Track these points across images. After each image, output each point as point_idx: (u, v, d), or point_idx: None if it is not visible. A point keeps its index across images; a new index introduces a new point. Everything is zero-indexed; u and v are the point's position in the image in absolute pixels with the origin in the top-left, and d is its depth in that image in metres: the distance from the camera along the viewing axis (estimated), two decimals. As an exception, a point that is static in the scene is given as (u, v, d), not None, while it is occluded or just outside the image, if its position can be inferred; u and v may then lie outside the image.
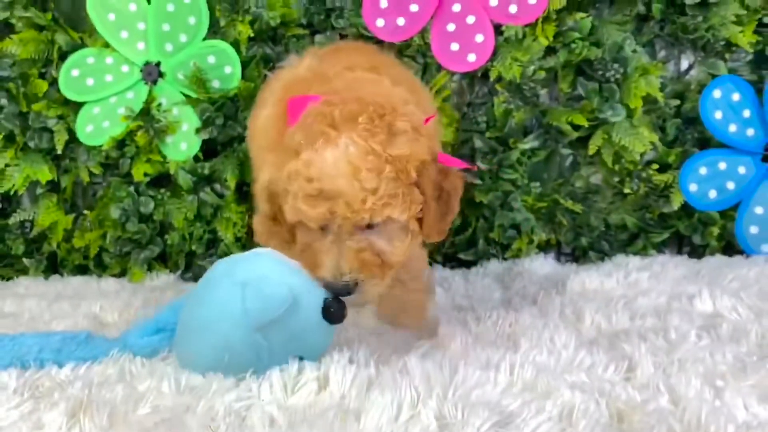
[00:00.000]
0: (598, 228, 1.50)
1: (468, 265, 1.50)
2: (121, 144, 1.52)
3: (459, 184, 0.90)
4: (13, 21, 1.50)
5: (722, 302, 1.03)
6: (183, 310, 0.85)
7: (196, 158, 1.50)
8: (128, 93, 1.51)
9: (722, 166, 1.47)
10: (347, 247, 0.82)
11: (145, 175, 1.51)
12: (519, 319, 0.98)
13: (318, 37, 1.50)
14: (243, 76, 1.48)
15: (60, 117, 1.52)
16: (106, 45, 1.50)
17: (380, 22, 1.45)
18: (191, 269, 1.54)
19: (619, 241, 1.51)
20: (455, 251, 1.52)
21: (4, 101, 1.53)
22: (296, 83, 1.00)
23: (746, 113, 1.46)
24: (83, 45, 1.52)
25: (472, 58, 1.45)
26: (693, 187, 1.47)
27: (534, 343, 0.88)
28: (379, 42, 1.46)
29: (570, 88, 1.47)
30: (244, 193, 1.52)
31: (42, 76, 1.53)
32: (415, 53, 1.48)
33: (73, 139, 1.52)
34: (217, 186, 1.51)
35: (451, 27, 1.45)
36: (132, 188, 1.52)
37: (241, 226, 1.50)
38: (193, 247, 1.52)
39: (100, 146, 1.51)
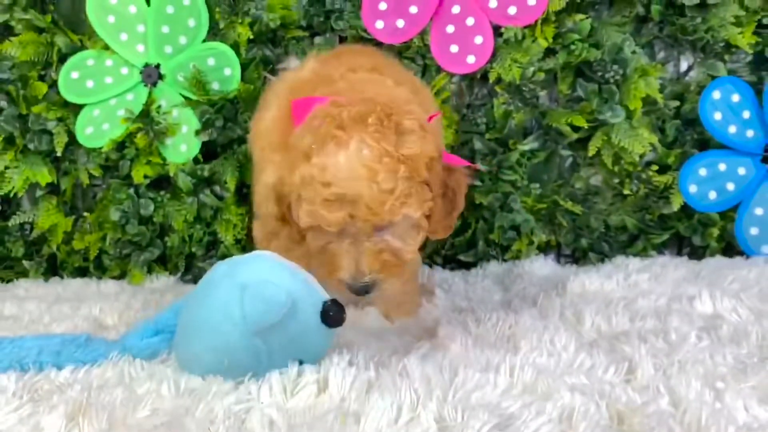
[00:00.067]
0: (598, 229, 1.50)
1: (468, 266, 1.49)
2: (120, 146, 1.52)
3: (463, 181, 0.93)
4: (13, 23, 1.50)
5: (722, 304, 1.03)
6: (183, 311, 0.85)
7: (195, 160, 1.50)
8: (128, 95, 1.51)
9: (722, 167, 1.47)
10: (367, 248, 0.84)
11: (145, 177, 1.51)
12: (519, 321, 0.97)
13: (317, 39, 1.50)
14: (243, 78, 1.48)
15: (60, 119, 1.52)
16: (106, 47, 1.50)
17: (380, 24, 1.45)
18: (191, 271, 1.53)
19: (619, 243, 1.50)
20: (455, 253, 1.52)
21: (3, 103, 1.53)
22: (300, 85, 1.01)
23: (746, 114, 1.46)
24: (83, 47, 1.52)
25: (471, 59, 1.45)
26: (693, 189, 1.47)
27: (534, 345, 0.88)
28: (378, 44, 1.46)
29: (569, 90, 1.47)
30: (243, 195, 1.52)
31: (41, 78, 1.53)
32: (415, 55, 1.48)
33: (72, 141, 1.52)
34: (217, 188, 1.51)
35: (450, 29, 1.45)
36: (132, 190, 1.52)
37: (241, 228, 1.50)
38: (193, 249, 1.52)
39: (100, 148, 1.51)
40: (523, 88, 1.46)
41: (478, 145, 1.48)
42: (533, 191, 1.49)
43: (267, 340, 0.76)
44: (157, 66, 1.50)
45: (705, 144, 1.48)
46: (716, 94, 1.45)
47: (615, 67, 1.43)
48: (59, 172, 1.55)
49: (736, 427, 0.63)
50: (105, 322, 1.15)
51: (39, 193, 1.56)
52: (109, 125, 1.51)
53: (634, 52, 1.44)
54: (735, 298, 1.04)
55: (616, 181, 1.50)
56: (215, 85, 1.49)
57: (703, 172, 1.47)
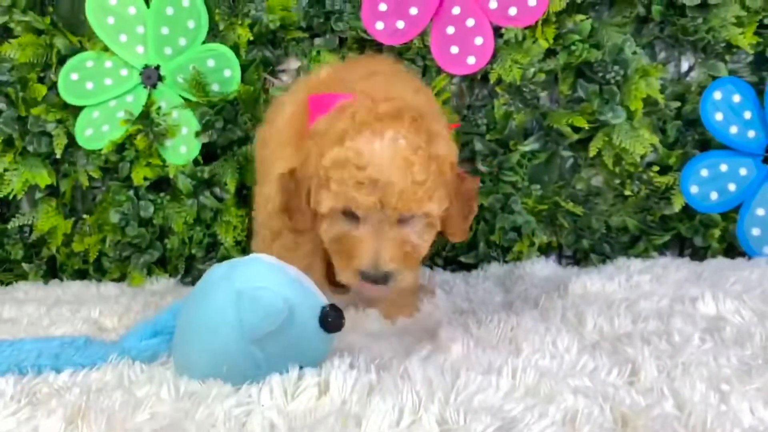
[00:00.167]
0: (599, 230, 1.49)
1: (469, 268, 1.49)
2: (120, 148, 1.51)
3: (475, 188, 0.97)
4: (12, 25, 1.50)
5: (725, 305, 1.02)
6: (181, 313, 0.84)
7: (195, 162, 1.50)
8: (127, 97, 1.51)
9: (723, 167, 1.47)
10: (389, 238, 0.85)
11: (145, 179, 1.51)
12: (521, 323, 0.97)
13: (317, 41, 1.49)
14: (242, 80, 1.48)
15: (59, 121, 1.51)
16: (105, 49, 1.50)
17: (380, 25, 1.44)
18: (191, 273, 1.53)
19: (621, 244, 1.50)
20: (456, 254, 1.51)
21: (3, 105, 1.52)
22: (317, 86, 1.03)
23: (747, 115, 1.46)
24: (82, 49, 1.51)
25: (471, 60, 1.44)
26: (694, 189, 1.47)
27: (536, 347, 0.87)
28: (378, 45, 1.46)
29: (570, 91, 1.47)
30: (243, 196, 1.52)
31: (41, 80, 1.52)
32: (415, 56, 1.48)
33: (72, 143, 1.52)
34: (217, 190, 1.51)
35: (450, 30, 1.44)
36: (131, 192, 1.51)
37: (241, 229, 1.49)
38: (193, 251, 1.51)
39: (100, 150, 1.51)
40: (524, 89, 1.46)
41: (478, 146, 1.47)
42: (534, 192, 1.49)
43: (264, 347, 0.75)
44: (157, 67, 1.50)
45: (706, 145, 1.48)
46: (717, 95, 1.45)
47: (616, 67, 1.43)
48: (59, 174, 1.55)
49: (741, 429, 0.62)
50: (105, 325, 1.15)
51: (38, 195, 1.55)
52: (109, 127, 1.50)
53: (634, 53, 1.44)
54: (738, 300, 1.03)
55: (617, 182, 1.49)
56: (215, 87, 1.48)
57: (704, 172, 1.47)
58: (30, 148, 1.52)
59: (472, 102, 1.51)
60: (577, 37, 1.43)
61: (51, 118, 1.51)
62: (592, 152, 1.46)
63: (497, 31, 1.45)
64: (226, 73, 1.48)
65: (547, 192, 1.50)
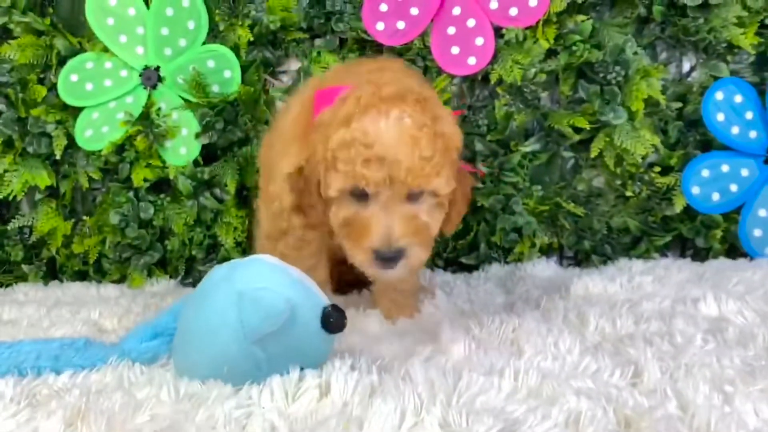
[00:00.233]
0: (600, 231, 1.49)
1: (470, 269, 1.49)
2: (120, 149, 1.51)
3: (471, 184, 0.98)
4: (12, 26, 1.50)
5: (727, 306, 1.02)
6: (181, 315, 0.84)
7: (195, 163, 1.50)
8: (127, 98, 1.51)
9: (725, 168, 1.46)
10: (399, 214, 0.85)
11: (145, 180, 1.50)
12: (522, 324, 0.96)
13: (318, 41, 1.49)
14: (243, 81, 1.48)
15: (59, 122, 1.51)
16: (105, 49, 1.50)
17: (380, 26, 1.44)
18: (191, 275, 1.53)
19: (622, 245, 1.50)
20: (457, 255, 1.51)
21: (2, 107, 1.52)
22: (323, 82, 1.02)
23: (749, 115, 1.45)
24: (82, 50, 1.51)
25: (472, 61, 1.44)
26: (695, 190, 1.47)
27: (538, 349, 0.87)
28: (378, 45, 1.46)
29: (571, 91, 1.47)
30: (244, 197, 1.51)
31: (41, 81, 1.52)
32: (416, 57, 1.47)
33: (72, 145, 1.52)
34: (217, 191, 1.50)
35: (451, 30, 1.44)
36: (131, 193, 1.51)
37: (241, 230, 1.49)
38: (193, 253, 1.51)
39: (100, 151, 1.50)
40: (525, 90, 1.45)
41: (479, 146, 1.47)
42: (535, 193, 1.48)
43: (266, 348, 0.75)
44: (157, 68, 1.50)
45: (708, 145, 1.48)
46: (719, 95, 1.44)
47: (617, 68, 1.42)
48: (58, 176, 1.54)
49: (746, 431, 0.62)
50: (105, 326, 1.14)
51: (38, 196, 1.55)
52: (109, 128, 1.50)
53: (635, 53, 1.44)
54: (740, 301, 1.03)
55: (619, 182, 1.49)
56: (215, 88, 1.48)
57: (705, 173, 1.46)
58: (30, 149, 1.51)
59: (473, 102, 1.51)
60: (578, 37, 1.43)
61: (51, 119, 1.50)
62: (593, 153, 1.45)
63: (498, 32, 1.44)
64: (226, 74, 1.48)
65: (548, 193, 1.49)
